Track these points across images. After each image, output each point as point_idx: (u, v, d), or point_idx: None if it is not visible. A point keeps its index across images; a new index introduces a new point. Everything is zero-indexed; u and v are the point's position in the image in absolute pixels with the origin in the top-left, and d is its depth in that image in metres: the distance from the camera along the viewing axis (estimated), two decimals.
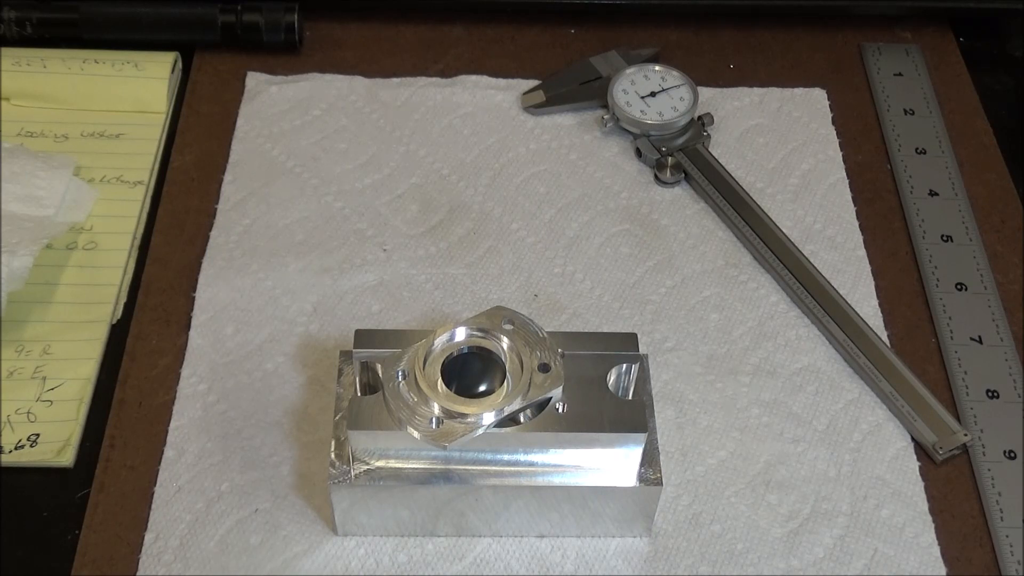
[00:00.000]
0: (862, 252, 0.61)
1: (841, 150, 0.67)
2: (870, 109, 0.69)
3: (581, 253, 0.61)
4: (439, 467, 0.47)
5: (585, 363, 0.48)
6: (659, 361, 0.56)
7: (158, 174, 0.64)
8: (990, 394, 0.55)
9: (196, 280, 0.59)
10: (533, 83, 0.69)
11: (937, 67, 0.72)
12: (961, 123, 0.69)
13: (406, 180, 0.64)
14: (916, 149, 0.67)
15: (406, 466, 0.47)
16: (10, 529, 0.50)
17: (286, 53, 0.70)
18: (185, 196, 0.63)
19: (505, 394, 0.45)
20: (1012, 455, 0.53)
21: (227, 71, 0.69)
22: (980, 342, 0.57)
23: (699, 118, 0.66)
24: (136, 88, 0.67)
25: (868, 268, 0.61)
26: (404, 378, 0.46)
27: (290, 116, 0.67)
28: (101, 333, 0.56)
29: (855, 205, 0.64)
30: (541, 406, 0.46)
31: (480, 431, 0.44)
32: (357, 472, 0.47)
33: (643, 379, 0.50)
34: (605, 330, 0.57)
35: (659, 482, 0.47)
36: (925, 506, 0.52)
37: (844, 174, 0.65)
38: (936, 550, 0.50)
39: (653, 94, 0.67)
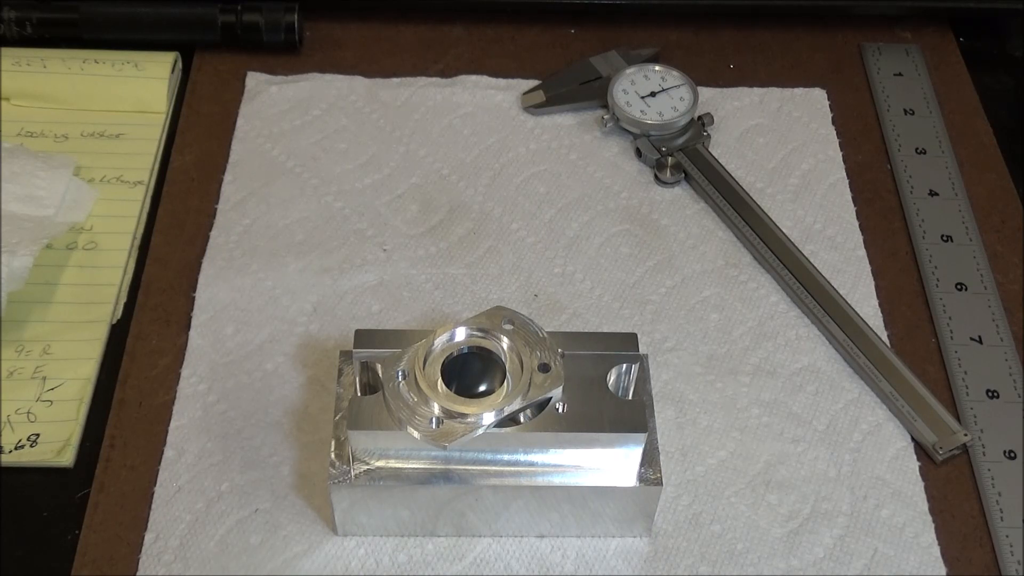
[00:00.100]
0: (862, 252, 0.61)
1: (841, 150, 0.67)
2: (870, 109, 0.69)
3: (581, 253, 0.61)
4: (439, 467, 0.47)
5: (585, 363, 0.48)
6: (659, 361, 0.56)
7: (158, 174, 0.64)
8: (990, 394, 0.55)
9: (196, 280, 0.59)
10: (533, 83, 0.69)
11: (937, 67, 0.72)
12: (961, 123, 0.69)
13: (406, 180, 0.64)
14: (916, 149, 0.67)
15: (406, 466, 0.47)
16: (10, 529, 0.50)
17: (286, 53, 0.70)
18: (185, 196, 0.63)
19: (505, 394, 0.45)
20: (1012, 455, 0.53)
21: (227, 71, 0.69)
22: (980, 342, 0.57)
23: (699, 118, 0.66)
24: (136, 88, 0.67)
25: (868, 268, 0.61)
26: (404, 378, 0.46)
27: (290, 116, 0.67)
28: (101, 333, 0.56)
29: (855, 205, 0.64)
30: (541, 406, 0.46)
31: (480, 431, 0.44)
32: (357, 472, 0.47)
33: (643, 379, 0.50)
34: (605, 330, 0.57)
35: (659, 482, 0.47)
36: (925, 506, 0.52)
37: (844, 174, 0.65)
38: (936, 550, 0.50)
39: (653, 94, 0.67)
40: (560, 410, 0.46)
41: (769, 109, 0.69)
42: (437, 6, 0.73)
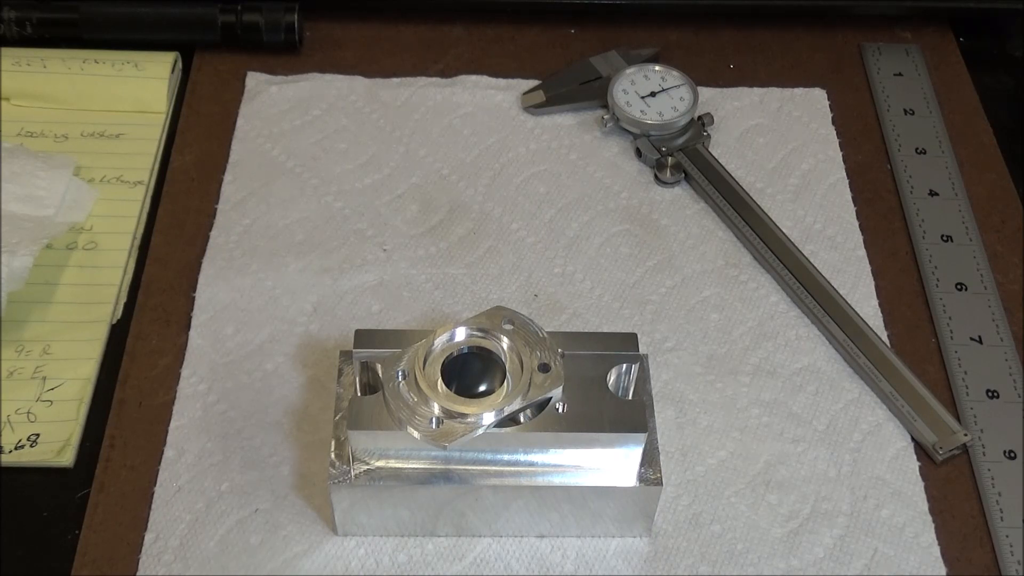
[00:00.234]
0: (862, 252, 0.61)
1: (841, 150, 0.67)
2: (870, 109, 0.69)
3: (581, 253, 0.61)
4: (439, 467, 0.47)
5: (585, 363, 0.48)
6: (659, 361, 0.56)
7: (158, 174, 0.64)
8: (990, 394, 0.55)
9: (196, 280, 0.59)
10: (533, 83, 0.69)
11: (937, 67, 0.72)
12: (961, 123, 0.69)
13: (406, 180, 0.64)
14: (916, 149, 0.67)
15: (406, 466, 0.47)
16: (10, 529, 0.50)
17: (286, 53, 0.70)
18: (185, 196, 0.63)
19: (505, 394, 0.45)
20: (1012, 455, 0.53)
21: (227, 71, 0.69)
22: (980, 342, 0.57)
23: (699, 118, 0.66)
24: (136, 88, 0.67)
25: (868, 268, 0.61)
26: (404, 378, 0.46)
27: (290, 116, 0.67)
28: (101, 333, 0.56)
29: (855, 205, 0.64)
30: (541, 406, 0.46)
31: (480, 431, 0.44)
32: (357, 472, 0.47)
33: (643, 379, 0.50)
34: (605, 330, 0.57)
35: (659, 482, 0.47)
36: (925, 506, 0.52)
37: (844, 174, 0.65)
38: (936, 550, 0.50)
39: (653, 94, 0.67)
40: (560, 410, 0.46)
41: (769, 109, 0.69)
42: (437, 6, 0.73)
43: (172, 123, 0.67)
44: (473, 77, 0.70)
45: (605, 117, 0.66)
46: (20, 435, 0.52)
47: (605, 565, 0.49)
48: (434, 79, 0.69)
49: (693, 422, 0.54)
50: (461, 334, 0.47)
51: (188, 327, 0.57)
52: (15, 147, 0.62)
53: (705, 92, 0.68)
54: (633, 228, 0.62)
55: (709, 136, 0.66)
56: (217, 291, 0.58)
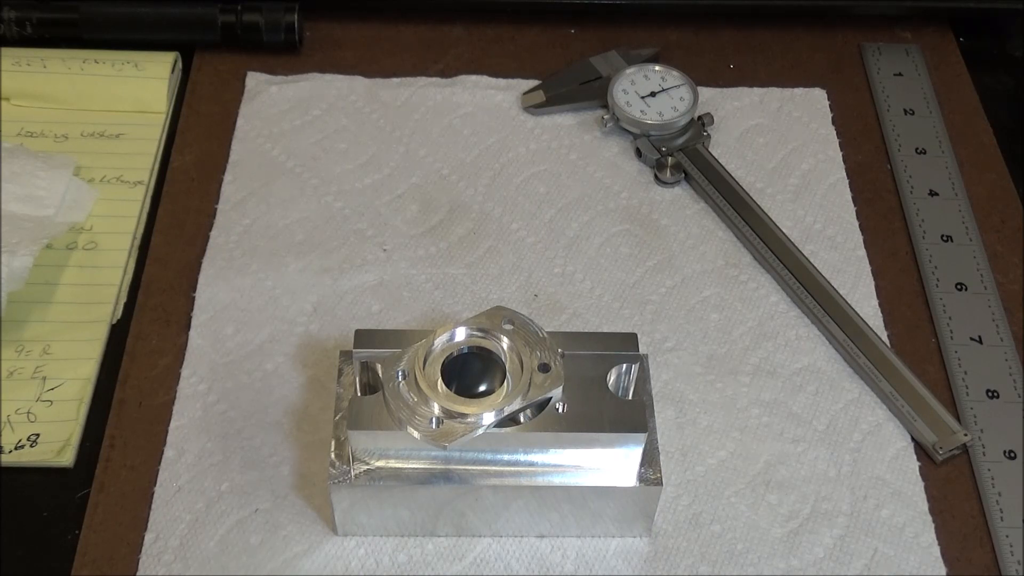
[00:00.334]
0: (862, 252, 0.61)
1: (841, 150, 0.67)
2: (870, 109, 0.69)
3: (581, 253, 0.61)
4: (439, 467, 0.47)
5: (585, 363, 0.48)
6: (659, 361, 0.56)
7: (158, 174, 0.64)
8: (990, 394, 0.55)
9: (196, 280, 0.59)
10: (533, 83, 0.69)
11: (937, 67, 0.72)
12: (961, 123, 0.69)
13: (406, 180, 0.64)
14: (916, 149, 0.67)
15: (406, 466, 0.47)
16: (10, 529, 0.50)
17: (286, 53, 0.70)
18: (185, 196, 0.63)
19: (505, 394, 0.45)
20: (1012, 455, 0.53)
21: (227, 71, 0.69)
22: (980, 342, 0.57)
23: (699, 118, 0.66)
24: (136, 88, 0.67)
25: (868, 268, 0.61)
26: (404, 378, 0.46)
27: (290, 116, 0.67)
28: (101, 333, 0.56)
29: (855, 205, 0.64)
30: (541, 406, 0.46)
31: (480, 431, 0.44)
32: (357, 472, 0.47)
33: (643, 379, 0.50)
34: (605, 330, 0.57)
35: (659, 482, 0.47)
36: (925, 506, 0.52)
37: (844, 174, 0.65)
38: (936, 550, 0.50)
39: (653, 94, 0.67)
40: (560, 410, 0.46)
41: (769, 109, 0.69)
42: (437, 6, 0.73)
43: (172, 123, 0.67)
44: (473, 77, 0.70)
45: (605, 117, 0.66)
46: (20, 435, 0.52)
47: (605, 565, 0.49)
48: (434, 79, 0.69)
49: (693, 422, 0.54)
50: (461, 334, 0.47)
51: (188, 327, 0.57)
52: (15, 147, 0.62)
53: (705, 92, 0.68)
54: (633, 228, 0.62)
55: (709, 136, 0.66)
56: (217, 291, 0.58)
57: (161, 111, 0.67)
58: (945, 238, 0.62)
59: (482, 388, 0.48)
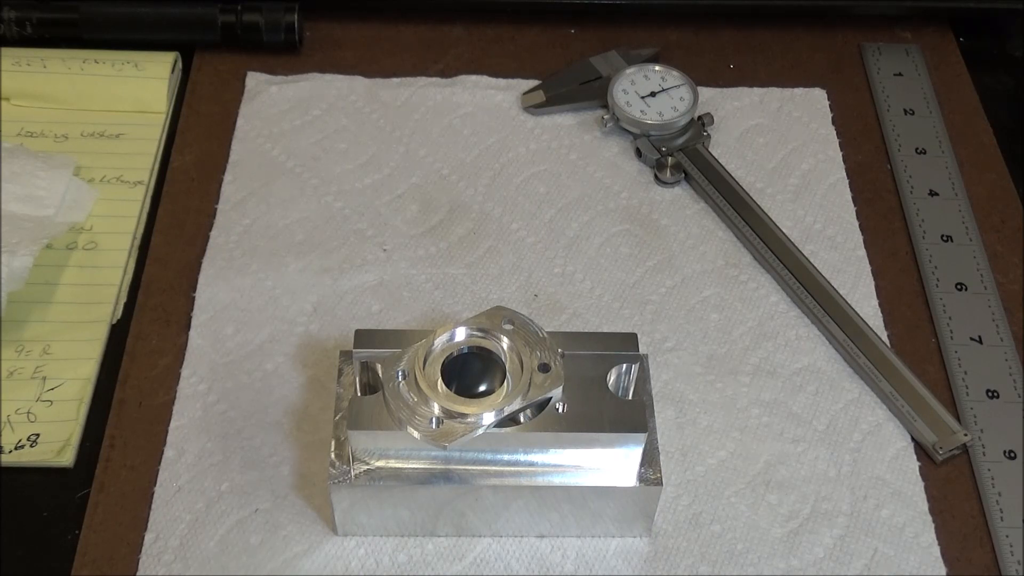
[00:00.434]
0: (862, 252, 0.61)
1: (841, 150, 0.67)
2: (870, 109, 0.69)
3: (581, 253, 0.61)
4: (439, 467, 0.47)
5: (585, 363, 0.48)
6: (659, 361, 0.56)
7: (158, 174, 0.64)
8: (990, 394, 0.55)
9: (196, 280, 0.59)
10: (533, 83, 0.69)
11: (937, 67, 0.72)
12: (961, 123, 0.69)
13: (406, 180, 0.64)
14: (916, 149, 0.67)
15: (406, 466, 0.47)
16: (10, 529, 0.50)
17: (286, 53, 0.70)
18: (185, 196, 0.63)
19: (505, 394, 0.45)
20: (1012, 455, 0.53)
21: (227, 71, 0.69)
22: (980, 342, 0.57)
23: (699, 118, 0.66)
24: (136, 88, 0.67)
25: (868, 268, 0.61)
26: (404, 378, 0.46)
27: (290, 116, 0.67)
28: (101, 333, 0.56)
29: (855, 205, 0.64)
30: (541, 406, 0.46)
31: (480, 431, 0.44)
32: (357, 472, 0.47)
33: (643, 379, 0.50)
34: (605, 330, 0.57)
35: (659, 482, 0.47)
36: (925, 506, 0.52)
37: (844, 174, 0.65)
38: (936, 550, 0.50)
39: (653, 94, 0.67)
40: (560, 410, 0.46)
41: (769, 109, 0.69)
42: (437, 6, 0.73)
43: (172, 123, 0.67)
44: (473, 77, 0.70)
45: (605, 117, 0.66)
46: (20, 435, 0.52)
47: (605, 565, 0.49)
48: (434, 79, 0.69)
49: (693, 422, 0.54)
50: (461, 334, 0.47)
51: (188, 327, 0.57)
52: (15, 147, 0.62)
53: (705, 92, 0.68)
54: (633, 228, 0.62)
55: (709, 136, 0.66)
56: (217, 291, 0.58)
57: (161, 111, 0.67)
58: (945, 238, 0.62)
59: (482, 388, 0.48)
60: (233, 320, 0.57)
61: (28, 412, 0.53)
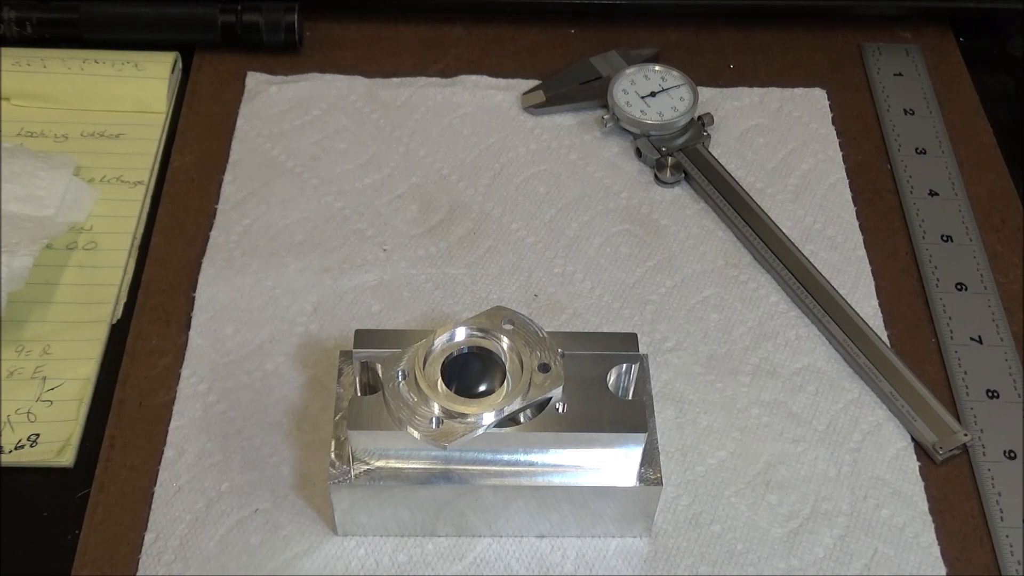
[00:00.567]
0: (862, 252, 0.61)
1: (841, 150, 0.67)
2: (870, 109, 0.69)
3: (581, 253, 0.61)
4: (439, 467, 0.47)
5: (585, 363, 0.48)
6: (659, 361, 0.56)
7: (158, 174, 0.64)
8: (990, 394, 0.55)
9: (196, 280, 0.59)
10: (533, 83, 0.69)
11: (937, 67, 0.72)
12: (961, 123, 0.69)
13: (406, 180, 0.64)
14: (916, 149, 0.67)
15: (406, 466, 0.47)
16: (10, 529, 0.50)
17: (286, 53, 0.70)
18: (185, 196, 0.63)
19: (505, 394, 0.45)
20: (1012, 455, 0.53)
21: (227, 71, 0.69)
22: (980, 342, 0.57)
23: (699, 118, 0.66)
24: (136, 88, 0.67)
25: (868, 268, 0.61)
26: (404, 378, 0.46)
27: (290, 116, 0.67)
28: (101, 333, 0.56)
29: (855, 205, 0.64)
30: (541, 406, 0.46)
31: (480, 431, 0.44)
32: (357, 472, 0.47)
33: (643, 379, 0.50)
34: (605, 330, 0.57)
35: (659, 482, 0.47)
36: (925, 506, 0.52)
37: (844, 174, 0.65)
38: (936, 550, 0.50)
39: (653, 94, 0.67)
40: (560, 410, 0.46)
41: (769, 109, 0.69)
42: (437, 6, 0.73)
43: (172, 123, 0.67)
44: (473, 77, 0.70)
45: (605, 117, 0.66)
46: (20, 435, 0.52)
47: (605, 565, 0.49)
48: (434, 79, 0.69)
49: (693, 422, 0.54)
50: (461, 334, 0.47)
51: (188, 327, 0.57)
52: (15, 147, 0.62)
53: (705, 92, 0.68)
54: (633, 228, 0.62)
55: (709, 136, 0.66)
56: (217, 291, 0.58)
57: (161, 111, 0.67)
58: (945, 238, 0.62)
59: (482, 388, 0.48)
60: (233, 320, 0.57)
61: (28, 412, 0.53)
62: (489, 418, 0.44)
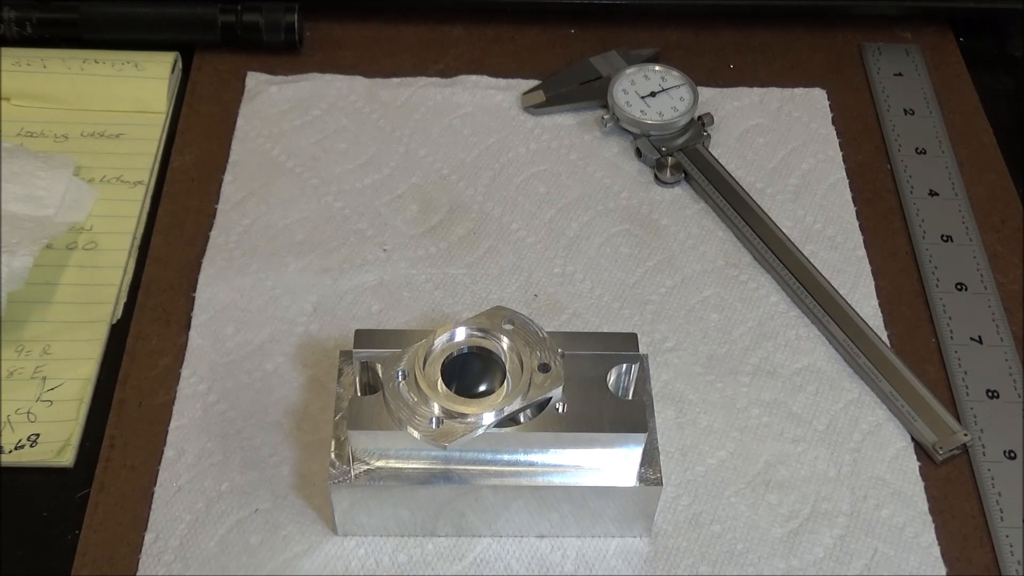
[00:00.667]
0: (862, 252, 0.61)
1: (841, 150, 0.67)
2: (870, 109, 0.69)
3: (581, 253, 0.61)
4: (439, 467, 0.47)
5: (585, 363, 0.48)
6: (659, 361, 0.56)
7: (158, 174, 0.64)
8: (990, 394, 0.55)
9: (196, 280, 0.59)
10: (533, 83, 0.69)
11: (937, 67, 0.72)
12: (961, 123, 0.69)
13: (406, 180, 0.64)
14: (916, 149, 0.67)
15: (406, 466, 0.47)
16: (10, 529, 0.50)
17: (286, 53, 0.70)
18: (185, 196, 0.63)
19: (505, 394, 0.45)
20: (1012, 455, 0.53)
21: (227, 71, 0.69)
22: (980, 342, 0.57)
23: (699, 118, 0.66)
24: (136, 88, 0.67)
25: (868, 268, 0.61)
26: (404, 378, 0.46)
27: (290, 116, 0.67)
28: (101, 333, 0.56)
29: (855, 205, 0.64)
30: (541, 406, 0.46)
31: (480, 431, 0.44)
32: (357, 472, 0.47)
33: (643, 379, 0.50)
34: (605, 330, 0.57)
35: (659, 482, 0.47)
36: (925, 506, 0.52)
37: (844, 174, 0.65)
38: (936, 550, 0.50)
39: (653, 94, 0.67)
40: (560, 410, 0.46)
41: (769, 109, 0.69)
42: (437, 6, 0.73)
43: (172, 123, 0.67)
44: (473, 77, 0.70)
45: (605, 117, 0.66)
46: (20, 435, 0.52)
47: (605, 565, 0.49)
48: (434, 79, 0.69)
49: (693, 422, 0.54)
50: (461, 334, 0.47)
51: (188, 327, 0.57)
52: (15, 147, 0.62)
53: (705, 92, 0.68)
54: (633, 228, 0.62)
55: (709, 136, 0.66)
56: (217, 291, 0.58)
57: (161, 111, 0.67)
58: (945, 238, 0.62)
59: (482, 388, 0.48)
60: (233, 320, 0.57)
61: (28, 412, 0.53)
62: (489, 418, 0.44)
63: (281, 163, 0.65)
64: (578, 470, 0.47)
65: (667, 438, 0.53)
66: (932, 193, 0.64)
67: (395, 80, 0.69)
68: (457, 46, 0.72)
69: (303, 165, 0.64)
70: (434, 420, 0.44)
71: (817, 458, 0.53)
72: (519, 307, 0.55)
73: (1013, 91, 0.72)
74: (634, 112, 0.66)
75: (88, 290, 0.58)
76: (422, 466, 0.47)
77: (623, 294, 0.59)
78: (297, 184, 0.63)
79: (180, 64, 0.69)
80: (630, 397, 0.50)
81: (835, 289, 0.59)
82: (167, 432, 0.53)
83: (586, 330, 0.57)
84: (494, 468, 0.47)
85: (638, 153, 0.65)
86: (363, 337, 0.49)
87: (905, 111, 0.69)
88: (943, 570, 0.50)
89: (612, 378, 0.48)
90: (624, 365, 0.49)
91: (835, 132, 0.68)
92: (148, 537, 0.49)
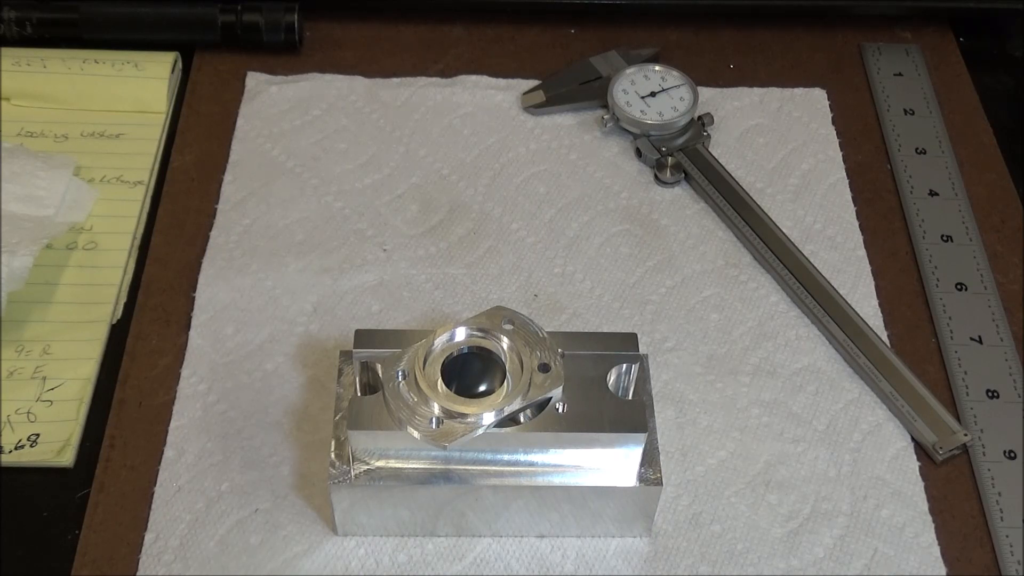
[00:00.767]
0: (862, 252, 0.61)
1: (841, 150, 0.67)
2: (870, 109, 0.69)
3: (581, 253, 0.61)
4: (439, 467, 0.47)
5: (585, 363, 0.48)
6: (659, 361, 0.56)
7: (158, 174, 0.64)
8: (990, 394, 0.55)
9: (196, 280, 0.59)
10: (533, 83, 0.69)
11: (937, 67, 0.72)
12: (961, 123, 0.69)
13: (406, 180, 0.64)
14: (916, 149, 0.67)
15: (406, 466, 0.47)
16: (10, 529, 0.50)
17: (286, 53, 0.70)
18: (185, 196, 0.63)
19: (505, 394, 0.45)
20: (1012, 455, 0.53)
21: (227, 71, 0.69)
22: (980, 342, 0.57)
23: (699, 118, 0.66)
24: (136, 88, 0.67)
25: (868, 268, 0.61)
26: (404, 378, 0.46)
27: (290, 116, 0.67)
28: (101, 333, 0.56)
29: (855, 205, 0.64)
30: (541, 406, 0.46)
31: (480, 431, 0.44)
32: (357, 472, 0.47)
33: (643, 379, 0.50)
34: (605, 330, 0.57)
35: (659, 482, 0.47)
36: (925, 506, 0.52)
37: (844, 174, 0.65)
38: (936, 550, 0.50)
39: (653, 94, 0.67)
40: (560, 410, 0.46)
41: (769, 109, 0.69)
42: (437, 6, 0.73)
43: (172, 123, 0.67)
44: (473, 77, 0.70)
45: (605, 117, 0.66)
46: (20, 435, 0.52)
47: (605, 565, 0.49)
48: (434, 79, 0.69)
49: (693, 422, 0.54)
50: (461, 334, 0.47)
51: (188, 327, 0.57)
52: (15, 147, 0.62)
53: (705, 92, 0.68)
54: (633, 228, 0.62)
55: (709, 136, 0.66)
56: (217, 291, 0.58)
57: (161, 111, 0.67)
58: (945, 238, 0.62)
59: (482, 388, 0.48)
60: (233, 320, 0.57)
61: (28, 412, 0.53)
62: (489, 418, 0.44)
63: (281, 163, 0.65)
64: (578, 470, 0.47)
65: (667, 438, 0.53)
66: (932, 193, 0.64)
67: (395, 80, 0.69)
68: (457, 46, 0.72)
69: (303, 165, 0.64)
70: (434, 420, 0.44)
71: (817, 458, 0.53)
72: (519, 307, 0.55)
73: (1013, 91, 0.72)
74: (634, 112, 0.66)
75: (88, 290, 0.58)
76: (422, 466, 0.47)
77: (623, 294, 0.59)
78: (297, 184, 0.63)
79: (180, 64, 0.69)
80: (630, 397, 0.50)
81: (835, 289, 0.59)
82: (167, 432, 0.53)
83: (586, 330, 0.57)
84: (494, 468, 0.47)
85: (638, 153, 0.65)
86: (363, 337, 0.49)
87: (905, 111, 0.69)
88: (943, 570, 0.50)
89: (612, 378, 0.48)
90: (624, 365, 0.49)
91: (835, 132, 0.68)
92: (148, 537, 0.49)
